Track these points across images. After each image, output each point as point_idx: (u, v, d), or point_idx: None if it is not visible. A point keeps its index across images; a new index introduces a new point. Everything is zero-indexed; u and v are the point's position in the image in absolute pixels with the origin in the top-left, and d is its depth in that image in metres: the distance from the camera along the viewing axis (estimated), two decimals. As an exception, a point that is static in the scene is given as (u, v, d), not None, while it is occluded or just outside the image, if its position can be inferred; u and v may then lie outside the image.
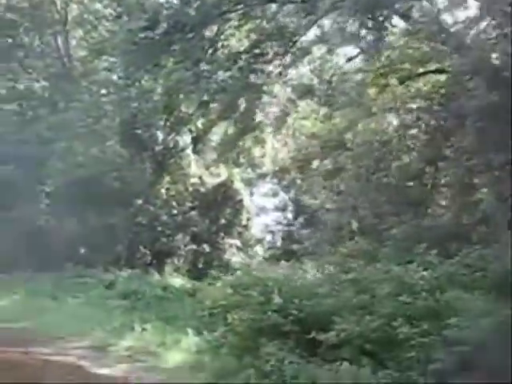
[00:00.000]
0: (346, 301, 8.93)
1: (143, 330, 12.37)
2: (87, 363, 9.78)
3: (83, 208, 24.18)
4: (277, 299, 9.25)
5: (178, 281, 20.30)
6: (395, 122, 17.40)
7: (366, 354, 8.01)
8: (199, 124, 30.71)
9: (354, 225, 13.51)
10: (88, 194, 24.09)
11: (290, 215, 35.18)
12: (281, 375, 8.35)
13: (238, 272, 14.24)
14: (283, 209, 35.25)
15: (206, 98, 19.30)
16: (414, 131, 16.35)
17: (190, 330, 11.58)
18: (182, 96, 23.50)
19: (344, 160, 17.61)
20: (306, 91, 22.52)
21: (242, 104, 21.23)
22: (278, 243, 34.35)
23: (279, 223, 35.07)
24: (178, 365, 9.83)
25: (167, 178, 30.30)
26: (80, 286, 20.03)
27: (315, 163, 30.19)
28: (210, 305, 13.77)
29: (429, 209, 15.43)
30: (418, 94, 16.23)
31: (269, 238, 34.94)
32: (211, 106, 29.66)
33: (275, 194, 36.04)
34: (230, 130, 30.21)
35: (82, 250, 25.82)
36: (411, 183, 15.53)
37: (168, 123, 29.85)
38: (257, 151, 32.14)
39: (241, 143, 31.56)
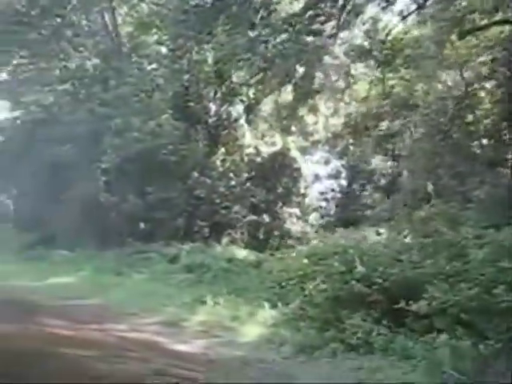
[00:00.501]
0: (436, 267, 8.32)
1: (215, 303, 12.08)
2: (163, 339, 9.51)
3: (141, 183, 24.15)
4: (360, 268, 8.72)
5: (240, 252, 19.90)
6: (467, 77, 16.31)
7: (462, 324, 7.42)
8: (251, 93, 30.24)
9: (430, 187, 12.74)
10: (145, 169, 24.05)
11: (343, 182, 34.46)
12: (369, 348, 7.88)
13: (314, 241, 13.83)
14: (336, 176, 34.50)
15: (262, 64, 18.58)
16: (487, 84, 15.30)
17: (265, 303, 11.17)
18: (236, 64, 23.00)
19: (410, 120, 16.68)
20: (362, 52, 21.68)
21: (300, 69, 20.47)
22: (332, 211, 33.77)
23: (333, 190, 34.35)
24: (255, 339, 9.45)
25: (222, 150, 30.01)
26: (143, 261, 20.01)
27: (372, 126, 29.43)
28: (281, 276, 13.44)
29: (507, 168, 14.45)
30: (491, 44, 15.11)
31: (323, 205, 34.33)
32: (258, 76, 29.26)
33: (327, 162, 35.32)
34: (287, 97, 29.75)
35: (142, 226, 25.82)
36: (486, 141, 14.58)
37: (220, 94, 29.49)
38: (309, 118, 31.57)
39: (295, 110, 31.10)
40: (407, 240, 10.20)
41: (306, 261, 12.74)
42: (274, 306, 11.12)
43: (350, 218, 26.32)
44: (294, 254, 15.69)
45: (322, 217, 33.19)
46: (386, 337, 7.91)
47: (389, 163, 30.19)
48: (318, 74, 21.21)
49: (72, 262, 22.28)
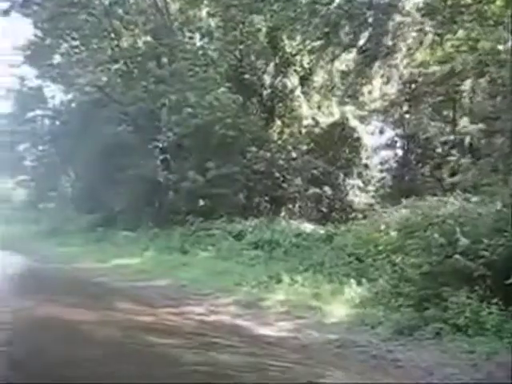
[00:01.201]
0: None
1: (293, 281, 11.43)
2: (245, 323, 8.95)
3: (199, 159, 23.62)
4: (462, 240, 7.85)
5: (307, 226, 19.14)
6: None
7: None
8: (306, 63, 29.31)
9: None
10: (203, 145, 23.52)
11: (399, 152, 33.04)
12: (480, 329, 7.06)
13: (403, 211, 13.00)
14: (392, 146, 33.10)
15: (324, 29, 17.57)
16: None
17: (350, 280, 10.43)
18: (291, 32, 22.10)
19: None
20: (428, 10, 20.28)
21: (366, 31, 19.33)
22: (390, 182, 32.48)
23: (388, 161, 33.00)
24: (344, 319, 8.75)
25: (278, 123, 29.28)
26: (208, 238, 19.57)
27: (431, 92, 28.00)
28: (359, 250, 12.70)
29: None
30: None
31: (380, 176, 33.07)
32: (316, 43, 28.19)
33: (382, 131, 33.93)
34: (340, 66, 28.70)
35: (201, 203, 25.41)
36: None
37: (274, 65, 28.66)
38: (365, 86, 30.34)
39: (350, 78, 29.98)
40: (504, 209, 9.17)
41: (393, 233, 11.92)
42: (357, 283, 10.37)
43: (409, 189, 25.18)
44: (369, 226, 14.88)
45: (381, 188, 31.98)
46: (498, 316, 7.08)
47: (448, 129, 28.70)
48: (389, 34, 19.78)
49: (135, 242, 22.10)
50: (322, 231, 17.61)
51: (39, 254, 22.25)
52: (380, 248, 11.82)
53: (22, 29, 30.92)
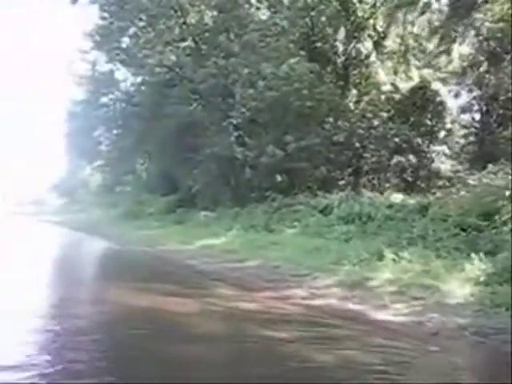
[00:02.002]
0: None
1: (399, 257, 10.48)
2: (357, 306, 8.11)
3: (276, 133, 22.80)
4: None
5: (397, 197, 18.02)
6: None
7: None
8: (379, 27, 27.91)
9: None
10: (279, 118, 22.67)
11: (476, 115, 30.95)
12: None
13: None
14: (469, 109, 31.02)
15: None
16: None
17: (473, 254, 9.35)
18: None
19: None
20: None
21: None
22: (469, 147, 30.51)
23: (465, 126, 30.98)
24: (470, 300, 7.74)
25: (354, 91, 28.09)
26: (292, 214, 18.81)
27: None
28: (464, 221, 11.59)
29: None
30: None
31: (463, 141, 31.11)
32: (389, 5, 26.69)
33: (457, 95, 31.84)
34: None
35: (280, 178, 24.69)
36: None
37: (346, 31, 27.40)
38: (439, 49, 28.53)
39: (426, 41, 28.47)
40: None
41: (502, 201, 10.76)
42: (467, 257, 9.32)
43: (489, 153, 23.44)
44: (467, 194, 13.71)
45: (462, 153, 30.13)
46: None
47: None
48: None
49: (216, 221, 21.69)
50: (412, 201, 16.49)
51: (122, 238, 22.23)
52: (494, 218, 10.68)
53: (91, 14, 30.66)
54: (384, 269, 10.02)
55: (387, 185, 25.86)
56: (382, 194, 20.88)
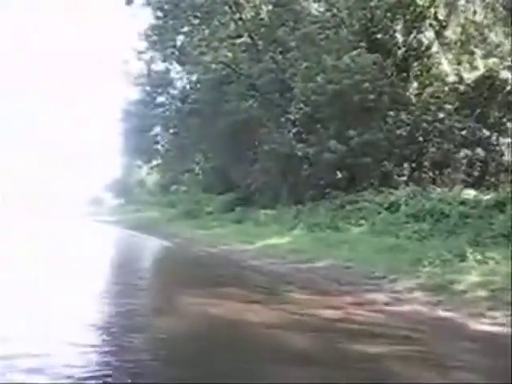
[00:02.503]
0: None
1: (483, 258, 9.70)
2: (449, 313, 7.40)
3: (337, 128, 22.05)
4: None
5: (469, 193, 17.00)
6: None
7: None
8: (441, 15, 26.74)
9: None
10: (341, 112, 21.90)
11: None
12: None
13: None
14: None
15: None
16: None
17: None
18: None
19: None
20: None
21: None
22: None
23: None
24: None
25: (414, 84, 27.03)
26: (357, 212, 18.09)
27: None
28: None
29: None
30: None
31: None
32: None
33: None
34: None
35: (340, 174, 23.97)
36: None
37: (405, 21, 26.36)
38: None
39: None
40: None
41: None
42: None
43: None
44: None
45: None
46: None
47: None
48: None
49: (278, 220, 21.17)
50: (486, 197, 15.52)
51: (181, 238, 21.99)
52: None
53: (146, 14, 30.72)
54: (469, 271, 9.26)
55: (452, 180, 24.71)
56: (449, 189, 19.88)
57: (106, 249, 19.71)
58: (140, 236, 25.30)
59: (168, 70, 31.06)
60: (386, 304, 8.14)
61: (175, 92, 32.05)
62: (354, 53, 20.95)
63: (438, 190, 18.42)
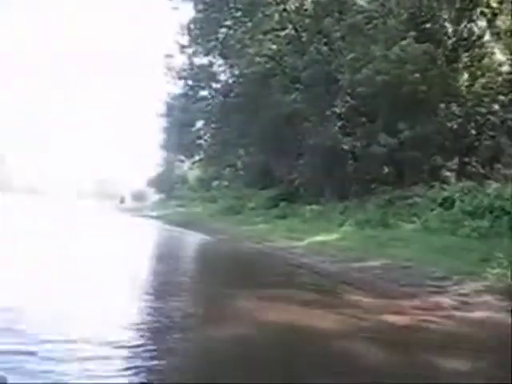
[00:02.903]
0: None
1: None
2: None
3: (386, 121, 21.29)
4: None
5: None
6: None
7: None
8: (493, 2, 25.56)
9: None
10: (389, 104, 21.14)
11: None
12: None
13: None
14: None
15: None
16: None
17: None
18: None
19: None
20: None
21: None
22: None
23: None
24: None
25: (465, 75, 25.95)
26: (408, 208, 17.35)
27: None
28: None
29: None
30: None
31: None
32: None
33: None
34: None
35: (389, 169, 23.24)
36: None
37: (456, 10, 25.29)
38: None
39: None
40: None
41: None
42: None
43: None
44: None
45: None
46: None
47: None
48: None
49: (324, 216, 20.58)
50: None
51: (226, 235, 21.60)
52: None
53: (187, 8, 30.45)
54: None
55: (503, 175, 23.60)
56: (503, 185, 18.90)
57: (150, 245, 19.42)
58: (184, 232, 24.97)
59: (211, 64, 30.65)
60: (456, 309, 7.51)
61: (218, 86, 31.59)
62: (404, 42, 20.12)
63: (494, 185, 17.52)
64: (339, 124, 25.08)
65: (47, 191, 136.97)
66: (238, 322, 6.55)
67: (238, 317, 6.87)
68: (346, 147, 22.46)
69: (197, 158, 37.43)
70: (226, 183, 43.25)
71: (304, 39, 26.46)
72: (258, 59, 27.71)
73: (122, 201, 68.90)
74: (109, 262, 12.32)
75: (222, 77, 32.04)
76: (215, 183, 45.76)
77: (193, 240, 21.85)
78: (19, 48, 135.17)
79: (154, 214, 44.78)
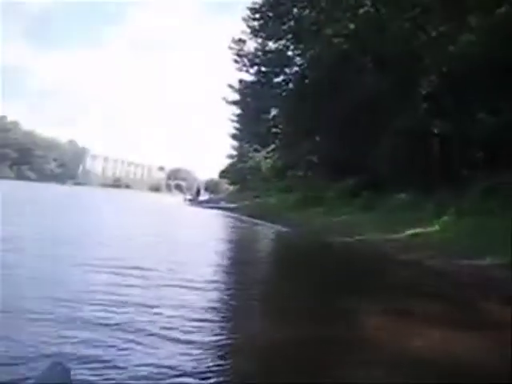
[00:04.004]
0: None
1: None
2: None
3: (483, 100, 19.26)
4: None
5: None
6: None
7: None
8: None
9: None
10: (486, 81, 19.08)
11: None
12: None
13: None
14: None
15: None
16: None
17: None
18: None
19: None
20: None
21: None
22: None
23: None
24: None
25: None
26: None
27: None
28: None
29: None
30: None
31: None
32: None
33: None
34: None
35: (483, 153, 21.18)
36: None
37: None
38: None
39: None
40: None
41: None
42: None
43: None
44: None
45: None
46: None
47: None
48: None
49: (414, 205, 18.80)
50: None
51: (310, 227, 20.30)
52: None
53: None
54: None
55: None
56: None
57: (234, 239, 18.46)
58: (265, 225, 23.81)
59: (285, 48, 29.25)
60: None
61: (292, 71, 30.22)
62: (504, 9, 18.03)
63: None
64: (425, 106, 23.21)
65: (129, 184, 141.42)
66: (379, 354, 5.05)
67: (376, 346, 5.30)
68: (435, 130, 20.55)
69: (272, 146, 36.19)
70: (301, 173, 41.73)
71: (384, 16, 24.65)
72: (335, 40, 26.14)
73: (198, 193, 68.66)
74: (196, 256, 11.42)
75: (297, 60, 30.57)
76: (290, 173, 44.32)
77: (276, 234, 20.62)
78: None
79: (231, 206, 44.03)
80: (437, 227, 14.34)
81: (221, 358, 4.63)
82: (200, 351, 4.70)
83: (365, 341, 5.34)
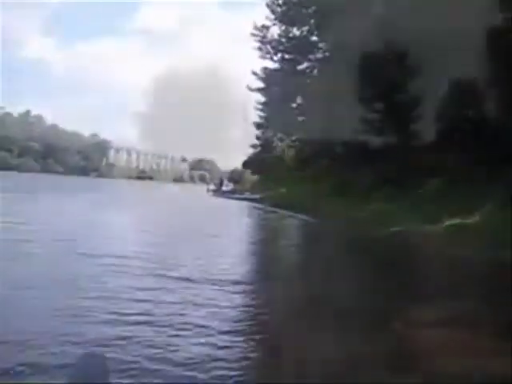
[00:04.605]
0: None
1: None
2: None
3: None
4: None
5: None
6: None
7: None
8: None
9: None
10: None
11: None
12: None
13: None
14: None
15: None
16: None
17: None
18: None
19: None
20: None
21: None
22: None
23: None
24: None
25: None
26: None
27: None
28: None
29: None
30: None
31: None
32: None
33: None
34: None
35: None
36: None
37: None
38: None
39: None
40: None
41: None
42: None
43: None
44: None
45: None
46: None
47: None
48: None
49: (451, 195, 17.83)
50: None
51: (339, 217, 19.56)
52: None
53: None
54: None
55: None
56: None
57: (266, 234, 17.91)
58: (294, 215, 23.17)
59: (309, 32, 28.33)
60: None
61: (317, 57, 29.33)
62: None
63: None
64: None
65: (153, 176, 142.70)
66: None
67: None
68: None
69: (297, 135, 35.36)
70: (325, 162, 40.81)
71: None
72: (361, 23, 25.20)
73: (221, 183, 68.06)
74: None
75: (322, 46, 29.65)
76: (315, 162, 43.40)
77: (308, 226, 19.98)
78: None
79: (256, 196, 43.41)
80: (476, 219, 13.47)
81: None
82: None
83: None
